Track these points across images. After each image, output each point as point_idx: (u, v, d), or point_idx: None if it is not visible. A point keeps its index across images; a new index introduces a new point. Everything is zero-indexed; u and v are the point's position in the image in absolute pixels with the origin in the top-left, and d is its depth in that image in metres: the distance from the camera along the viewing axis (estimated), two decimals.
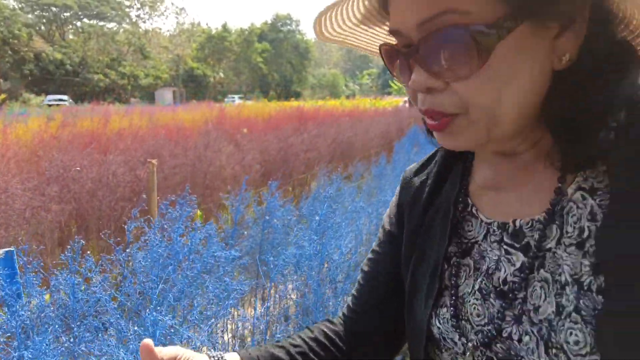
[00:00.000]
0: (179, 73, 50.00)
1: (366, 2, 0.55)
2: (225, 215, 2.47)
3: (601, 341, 0.43)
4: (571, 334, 0.45)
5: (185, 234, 1.81)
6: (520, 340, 0.49)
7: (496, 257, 0.54)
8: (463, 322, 0.55)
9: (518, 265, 0.51)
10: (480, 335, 0.53)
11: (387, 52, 0.54)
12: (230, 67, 53.66)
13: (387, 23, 0.57)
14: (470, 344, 0.54)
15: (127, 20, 56.32)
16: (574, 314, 0.46)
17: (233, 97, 51.17)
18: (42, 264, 1.56)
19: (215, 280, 1.62)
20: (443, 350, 0.57)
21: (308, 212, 2.41)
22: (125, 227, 1.58)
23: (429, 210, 0.63)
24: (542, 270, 0.49)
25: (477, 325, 0.53)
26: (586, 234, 0.47)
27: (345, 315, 0.71)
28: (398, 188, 0.70)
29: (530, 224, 0.52)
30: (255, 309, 1.82)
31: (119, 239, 1.64)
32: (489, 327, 0.52)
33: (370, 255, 0.71)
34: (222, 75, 53.74)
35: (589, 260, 0.46)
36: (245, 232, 2.36)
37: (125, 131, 5.61)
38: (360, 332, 0.68)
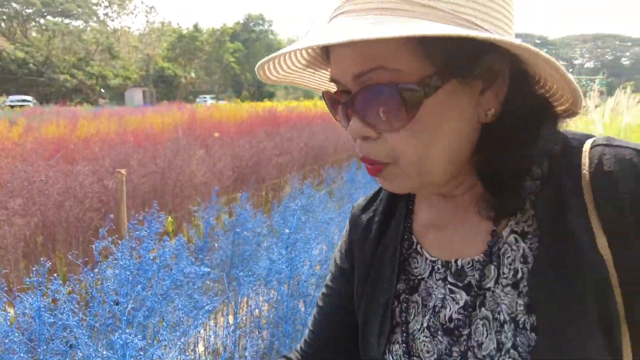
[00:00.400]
0: (149, 73, 49.01)
1: (310, 51, 0.58)
2: (195, 227, 2.46)
3: None
4: None
5: (155, 249, 1.80)
6: None
7: (442, 295, 0.57)
8: (415, 358, 0.58)
9: (462, 303, 0.55)
10: None
11: (329, 98, 0.57)
12: (202, 67, 52.96)
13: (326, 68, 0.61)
14: None
15: (95, 19, 54.78)
16: (512, 351, 0.49)
17: (205, 98, 50.39)
18: (3, 283, 1.54)
19: (185, 298, 1.63)
20: None
21: (279, 223, 2.43)
22: (94, 246, 1.57)
23: (378, 247, 0.65)
24: (483, 309, 0.53)
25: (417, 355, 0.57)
26: (520, 275, 0.51)
27: (302, 349, 0.72)
28: (347, 224, 0.72)
29: (470, 264, 0.55)
30: (225, 324, 1.84)
31: (86, 258, 1.63)
32: None
33: (324, 290, 0.73)
34: (193, 75, 52.98)
35: (523, 300, 0.50)
36: (216, 244, 2.37)
37: (94, 137, 5.49)
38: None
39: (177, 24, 61.37)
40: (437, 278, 0.58)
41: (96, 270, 1.54)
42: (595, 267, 0.47)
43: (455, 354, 0.54)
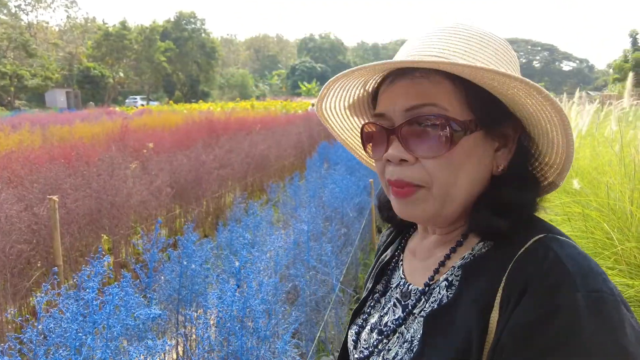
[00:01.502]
0: (73, 73, 45.92)
1: (360, 93, 0.73)
2: (136, 254, 2.39)
3: None
4: None
5: (101, 293, 1.75)
6: None
7: (391, 304, 0.72)
8: (359, 342, 0.75)
9: (396, 316, 0.69)
10: (360, 355, 0.73)
11: (368, 131, 0.69)
12: (131, 67, 50.47)
13: (364, 116, 0.78)
14: (355, 355, 0.74)
15: (5, 11, 50.16)
16: None
17: (135, 99, 47.94)
18: None
19: (138, 343, 1.60)
20: (350, 352, 0.78)
21: (226, 254, 2.43)
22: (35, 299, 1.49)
23: (384, 254, 0.84)
24: (403, 326, 0.67)
25: (363, 348, 0.73)
26: (429, 315, 0.65)
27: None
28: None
29: (415, 291, 0.69)
30: None
31: (21, 299, 1.54)
32: (366, 352, 0.71)
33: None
34: (122, 75, 50.35)
35: (421, 331, 0.64)
36: (163, 278, 2.32)
37: (15, 154, 5.10)
38: None
39: (102, 21, 57.57)
40: (396, 293, 0.73)
41: (40, 327, 1.47)
42: (480, 337, 0.56)
43: (376, 351, 0.69)
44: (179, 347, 2.06)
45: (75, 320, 1.59)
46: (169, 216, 5.14)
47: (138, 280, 2.21)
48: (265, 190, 5.60)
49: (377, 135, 0.67)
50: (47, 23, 58.99)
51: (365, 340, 0.73)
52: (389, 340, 0.68)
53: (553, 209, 3.36)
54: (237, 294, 1.93)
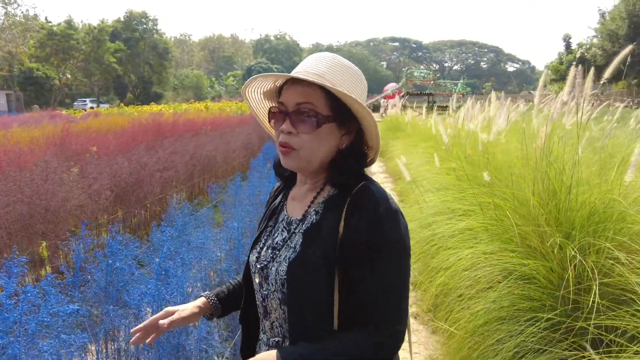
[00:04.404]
0: (13, 74, 43.56)
1: (270, 85, 1.13)
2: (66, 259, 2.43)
3: (288, 273, 1.05)
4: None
5: (16, 293, 1.79)
6: (268, 274, 1.09)
7: (279, 230, 1.14)
8: (260, 258, 1.14)
9: (283, 236, 1.12)
10: (259, 266, 1.13)
11: (273, 112, 1.09)
12: (79, 68, 48.42)
13: (272, 101, 1.17)
14: (257, 268, 1.13)
15: None
16: (283, 263, 1.07)
17: (84, 101, 45.99)
18: None
19: (52, 339, 1.67)
20: (252, 274, 1.17)
21: (151, 251, 2.50)
22: None
23: (272, 203, 1.25)
24: (288, 241, 1.10)
25: (262, 260, 1.13)
26: (305, 230, 1.09)
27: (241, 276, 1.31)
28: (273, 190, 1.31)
29: (295, 220, 1.12)
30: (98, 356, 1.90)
31: None
32: (262, 264, 1.12)
33: None
34: (69, 76, 48.25)
35: (301, 240, 1.08)
36: (90, 277, 2.37)
37: None
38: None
39: (45, 19, 54.78)
40: (282, 223, 1.16)
41: None
42: (335, 240, 1.01)
43: (272, 260, 1.10)
44: (106, 343, 2.12)
45: None
46: (111, 219, 5.10)
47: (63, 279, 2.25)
48: (207, 197, 5.64)
49: (277, 115, 1.07)
50: None
51: (264, 256, 1.13)
52: (280, 252, 1.09)
53: (467, 199, 3.63)
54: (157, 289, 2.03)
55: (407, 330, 1.06)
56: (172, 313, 1.19)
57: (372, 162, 1.12)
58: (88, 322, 2.07)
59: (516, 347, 2.39)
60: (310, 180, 1.12)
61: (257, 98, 1.19)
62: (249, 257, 1.21)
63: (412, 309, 4.04)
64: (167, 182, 5.79)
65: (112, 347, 1.98)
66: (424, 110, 12.16)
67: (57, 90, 45.29)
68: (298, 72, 1.05)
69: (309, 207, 1.10)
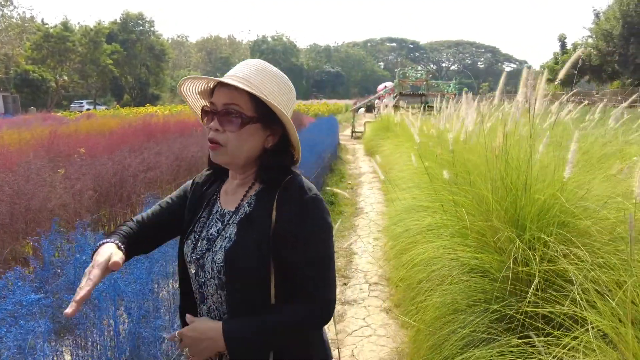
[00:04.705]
0: (10, 76, 43.59)
1: (204, 86, 1.22)
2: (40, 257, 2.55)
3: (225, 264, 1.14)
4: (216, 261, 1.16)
5: None
6: (204, 264, 1.18)
7: (214, 222, 1.22)
8: (195, 249, 1.21)
9: (217, 228, 1.20)
10: (194, 257, 1.20)
11: (205, 110, 1.19)
12: (76, 70, 48.45)
13: (206, 100, 1.24)
14: (193, 258, 1.20)
15: None
16: (219, 253, 1.16)
17: (82, 103, 46.07)
18: None
19: (12, 326, 1.79)
20: (188, 263, 1.24)
21: None
22: None
23: (203, 195, 1.31)
24: (223, 231, 1.18)
25: (198, 251, 1.20)
26: (239, 220, 1.19)
27: (140, 220, 1.31)
28: (190, 182, 1.37)
29: (229, 212, 1.21)
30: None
31: None
32: (198, 255, 1.20)
33: (167, 199, 1.36)
34: (65, 78, 48.28)
35: (235, 230, 1.18)
36: (59, 270, 2.49)
37: None
38: (147, 232, 1.30)
39: (42, 21, 54.77)
40: (216, 215, 1.24)
41: None
42: (268, 228, 1.12)
43: (207, 251, 1.18)
44: (70, 331, 2.24)
45: None
46: (94, 218, 5.22)
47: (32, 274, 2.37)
48: None
49: (209, 113, 1.17)
50: None
51: (199, 247, 1.20)
52: (215, 242, 1.17)
53: (433, 197, 3.76)
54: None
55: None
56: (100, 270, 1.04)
57: (297, 161, 1.23)
58: (53, 312, 2.18)
59: (464, 338, 2.51)
60: (240, 175, 1.22)
61: (194, 95, 1.28)
62: (182, 247, 1.27)
63: (384, 304, 4.18)
64: (152, 182, 5.91)
65: (75, 334, 2.09)
66: (418, 110, 12.27)
67: (53, 92, 45.33)
68: (227, 75, 1.16)
69: (242, 200, 1.20)
